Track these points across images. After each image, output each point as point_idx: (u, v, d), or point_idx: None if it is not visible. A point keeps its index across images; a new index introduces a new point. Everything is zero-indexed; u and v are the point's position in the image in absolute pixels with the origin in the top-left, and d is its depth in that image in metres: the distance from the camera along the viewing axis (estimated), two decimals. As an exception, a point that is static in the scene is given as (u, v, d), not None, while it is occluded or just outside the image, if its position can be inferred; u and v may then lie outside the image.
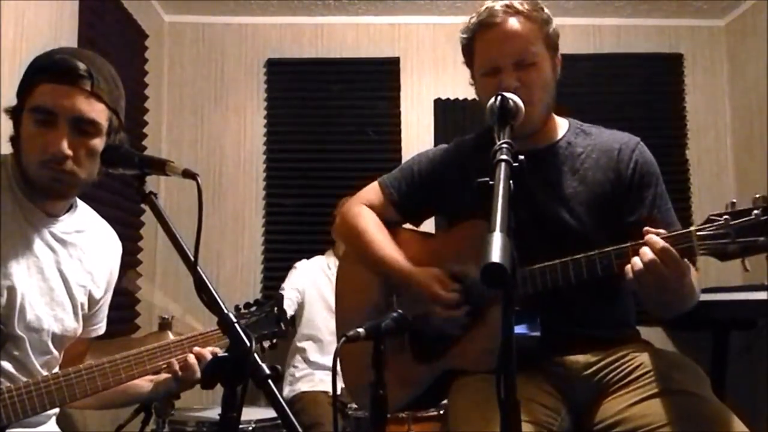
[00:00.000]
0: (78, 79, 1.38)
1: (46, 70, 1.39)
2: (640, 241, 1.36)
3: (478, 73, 1.62)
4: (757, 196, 1.28)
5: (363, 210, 1.79)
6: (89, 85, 1.39)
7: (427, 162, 1.79)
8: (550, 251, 1.48)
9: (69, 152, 1.37)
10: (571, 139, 1.66)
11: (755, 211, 1.26)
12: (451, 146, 1.81)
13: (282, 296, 1.82)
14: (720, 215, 1.30)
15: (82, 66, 1.39)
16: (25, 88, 1.41)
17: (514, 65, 1.55)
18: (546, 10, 1.61)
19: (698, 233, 1.31)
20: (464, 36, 1.64)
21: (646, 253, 1.31)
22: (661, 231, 1.36)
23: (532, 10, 1.57)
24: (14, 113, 1.43)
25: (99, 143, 1.42)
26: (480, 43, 1.61)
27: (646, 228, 1.36)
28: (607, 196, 1.59)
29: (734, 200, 1.31)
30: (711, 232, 1.30)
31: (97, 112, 1.40)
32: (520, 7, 1.56)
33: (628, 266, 1.34)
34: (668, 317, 1.52)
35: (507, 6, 1.57)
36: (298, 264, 3.45)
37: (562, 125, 1.69)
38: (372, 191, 1.82)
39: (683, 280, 1.35)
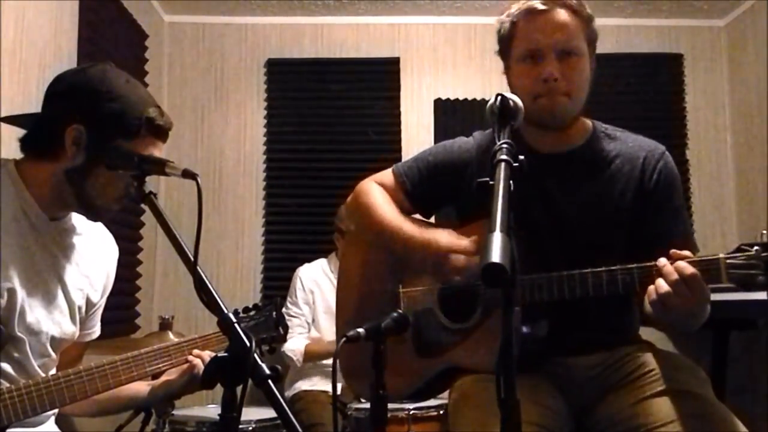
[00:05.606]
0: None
1: (154, 129, 1.51)
2: (665, 261, 1.32)
3: (516, 59, 1.56)
4: None
5: (375, 186, 1.76)
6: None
7: (444, 154, 1.72)
8: (566, 255, 1.47)
9: None
10: (595, 143, 1.63)
11: None
12: (470, 140, 1.74)
13: (280, 300, 1.82)
14: (751, 246, 1.29)
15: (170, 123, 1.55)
16: (131, 138, 1.44)
17: (557, 55, 1.52)
18: (588, 9, 1.59)
19: (727, 261, 1.30)
20: (506, 22, 1.57)
21: (673, 275, 1.29)
22: (688, 253, 1.33)
23: (578, 5, 1.56)
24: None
25: None
26: (524, 28, 1.55)
27: (674, 251, 1.33)
28: (627, 204, 1.55)
29: (765, 231, 1.30)
30: (741, 262, 1.29)
31: None
32: (566, 0, 1.54)
33: (652, 287, 1.32)
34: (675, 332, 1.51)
35: None
36: (300, 270, 3.38)
37: (587, 128, 1.66)
38: (386, 177, 1.77)
39: (706, 306, 1.35)
